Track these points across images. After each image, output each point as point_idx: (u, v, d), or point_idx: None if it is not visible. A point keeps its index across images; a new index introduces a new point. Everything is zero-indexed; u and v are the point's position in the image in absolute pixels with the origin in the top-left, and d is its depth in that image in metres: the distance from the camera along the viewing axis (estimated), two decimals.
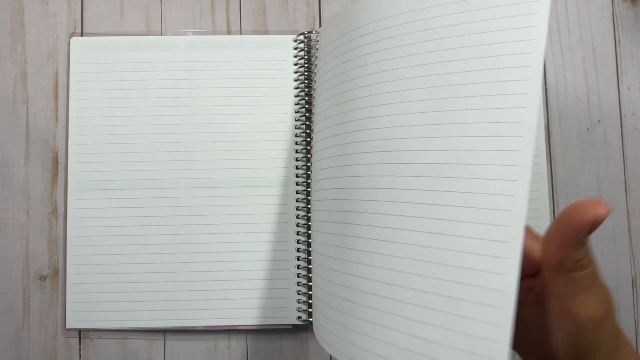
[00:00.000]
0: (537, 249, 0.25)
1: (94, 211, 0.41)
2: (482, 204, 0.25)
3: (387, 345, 0.26)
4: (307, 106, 0.41)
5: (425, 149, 0.28)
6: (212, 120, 0.42)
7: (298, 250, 0.40)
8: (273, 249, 0.41)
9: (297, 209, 0.41)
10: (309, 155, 0.41)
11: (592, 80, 0.44)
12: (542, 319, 0.25)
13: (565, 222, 0.23)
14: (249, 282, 0.40)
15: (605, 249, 0.42)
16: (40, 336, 0.40)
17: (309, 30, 0.43)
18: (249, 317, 0.40)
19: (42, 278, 0.41)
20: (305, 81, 0.41)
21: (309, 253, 0.39)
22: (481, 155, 0.25)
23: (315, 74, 0.39)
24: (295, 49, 0.42)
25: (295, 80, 0.42)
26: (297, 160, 0.41)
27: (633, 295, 0.42)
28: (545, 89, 0.43)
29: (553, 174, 0.43)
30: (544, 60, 0.43)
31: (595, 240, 0.42)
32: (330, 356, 0.41)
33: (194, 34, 0.43)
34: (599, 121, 0.43)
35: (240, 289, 0.40)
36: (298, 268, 0.40)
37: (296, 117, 0.42)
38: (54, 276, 0.41)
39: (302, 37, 0.42)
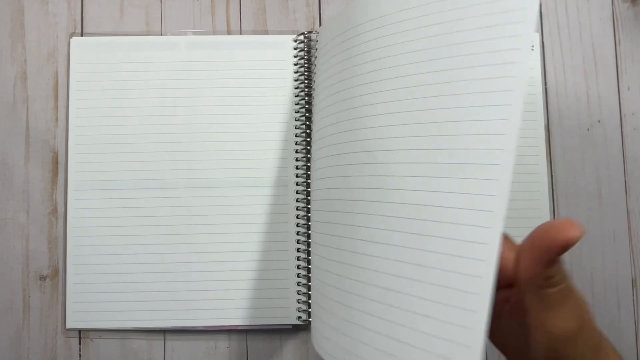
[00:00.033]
0: (512, 260, 0.24)
1: (94, 211, 0.41)
2: (462, 204, 0.24)
3: (369, 347, 0.26)
4: (307, 106, 0.41)
5: (408, 149, 0.28)
6: (212, 120, 0.42)
7: (298, 250, 0.40)
8: (273, 249, 0.41)
9: (297, 209, 0.41)
10: (309, 155, 0.41)
11: (592, 80, 0.44)
12: (519, 329, 0.25)
13: (538, 240, 0.23)
14: (249, 282, 0.40)
15: (605, 249, 0.42)
16: (40, 336, 0.40)
17: (309, 30, 0.43)
18: (249, 317, 0.40)
19: (42, 278, 0.41)
20: (305, 81, 0.41)
21: (308, 253, 0.39)
22: (461, 155, 0.25)
23: (315, 73, 0.39)
24: (295, 49, 0.42)
25: (296, 80, 0.42)
26: (297, 160, 0.41)
27: (633, 295, 0.42)
28: (545, 89, 0.43)
29: (553, 174, 0.43)
30: (544, 61, 0.43)
31: (595, 240, 0.42)
32: None
33: (194, 34, 0.43)
34: (599, 121, 0.43)
35: (240, 289, 0.40)
36: (298, 268, 0.40)
37: (296, 117, 0.42)
38: (54, 276, 0.41)
39: (302, 37, 0.42)
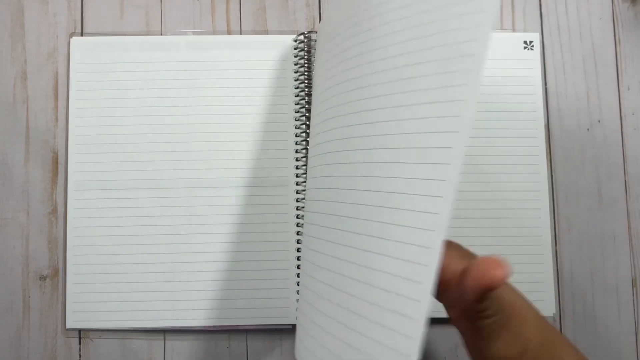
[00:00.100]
0: (454, 272, 0.24)
1: (94, 211, 0.41)
2: (408, 206, 0.23)
3: (324, 349, 0.26)
4: (307, 106, 0.41)
5: (370, 148, 0.27)
6: (211, 120, 0.42)
7: (298, 250, 0.40)
8: (273, 249, 0.41)
9: (297, 209, 0.41)
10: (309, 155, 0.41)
11: (592, 80, 0.44)
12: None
13: (467, 278, 0.23)
14: (249, 282, 0.40)
15: (605, 249, 0.42)
16: (40, 336, 0.40)
17: (309, 30, 0.43)
18: (249, 317, 0.40)
19: (42, 278, 0.41)
20: (305, 81, 0.41)
21: None
22: (412, 154, 0.24)
23: (313, 73, 0.39)
24: (296, 49, 0.42)
25: (296, 80, 0.42)
26: (297, 160, 0.41)
27: (633, 295, 0.42)
28: (545, 89, 0.43)
29: (553, 174, 0.43)
30: (544, 61, 0.43)
31: (595, 240, 0.42)
32: None
33: (194, 34, 0.43)
34: (599, 121, 0.43)
35: (240, 289, 0.40)
36: (298, 268, 0.40)
37: (296, 117, 0.42)
38: (54, 276, 0.41)
39: (302, 37, 0.42)
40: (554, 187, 0.43)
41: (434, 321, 0.23)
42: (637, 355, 0.41)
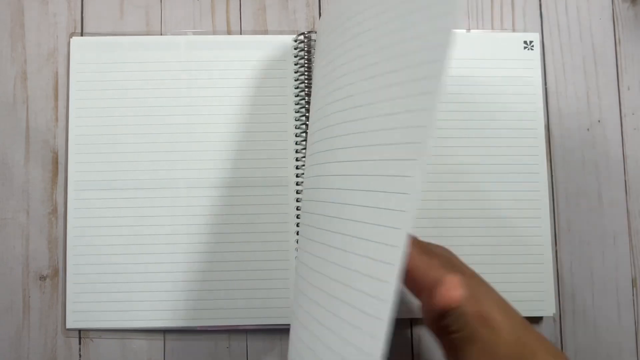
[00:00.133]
0: (420, 267, 0.25)
1: (94, 211, 0.41)
2: (376, 204, 0.23)
3: (309, 350, 0.27)
4: (307, 106, 0.41)
5: (346, 147, 0.27)
6: (212, 120, 0.42)
7: (298, 250, 0.40)
8: (273, 249, 0.41)
9: (297, 209, 0.41)
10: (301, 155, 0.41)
11: (592, 80, 0.44)
12: None
13: (427, 297, 0.24)
14: (249, 282, 0.40)
15: (605, 249, 0.42)
16: (40, 336, 0.40)
17: (309, 30, 0.43)
18: (249, 317, 0.40)
19: (42, 278, 0.41)
20: (306, 81, 0.41)
21: None
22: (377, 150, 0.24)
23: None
24: (296, 49, 0.42)
25: (296, 80, 0.42)
26: (297, 160, 0.41)
27: (633, 295, 0.42)
28: (545, 89, 0.43)
29: (553, 174, 0.43)
30: (544, 61, 0.44)
31: (595, 240, 0.42)
32: None
33: (194, 34, 0.43)
34: (599, 121, 0.43)
35: (240, 289, 0.40)
36: None
37: (296, 117, 0.42)
38: (54, 276, 0.41)
39: (302, 37, 0.42)
40: (554, 187, 0.43)
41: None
42: (637, 355, 0.41)
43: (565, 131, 0.43)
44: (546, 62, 0.44)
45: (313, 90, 0.36)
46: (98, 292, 0.40)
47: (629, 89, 0.44)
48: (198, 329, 0.40)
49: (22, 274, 0.41)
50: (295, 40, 0.42)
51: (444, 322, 0.24)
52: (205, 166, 0.41)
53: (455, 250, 0.40)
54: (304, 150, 0.41)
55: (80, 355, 0.40)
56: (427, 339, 0.41)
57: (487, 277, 0.40)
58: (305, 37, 0.42)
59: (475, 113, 0.42)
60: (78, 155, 0.41)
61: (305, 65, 0.42)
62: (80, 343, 0.40)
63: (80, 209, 0.41)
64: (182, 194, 0.41)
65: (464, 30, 0.44)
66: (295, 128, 0.42)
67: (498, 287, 0.40)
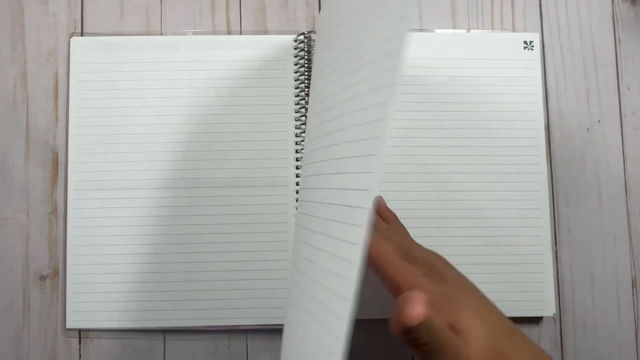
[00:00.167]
0: (382, 252, 0.27)
1: (94, 211, 0.41)
2: (342, 184, 0.24)
3: (292, 348, 0.27)
4: (306, 106, 0.41)
5: (315, 148, 0.29)
6: (212, 120, 0.42)
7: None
8: (273, 249, 0.41)
9: (297, 209, 0.41)
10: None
11: (592, 80, 0.44)
12: None
13: (393, 312, 0.24)
14: (249, 282, 0.40)
15: (605, 249, 0.42)
16: (40, 336, 0.40)
17: (309, 30, 0.43)
18: (249, 317, 0.40)
19: (42, 278, 0.41)
20: (305, 81, 0.41)
21: None
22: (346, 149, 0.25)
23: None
24: (296, 49, 0.42)
25: (296, 80, 0.42)
26: (297, 160, 0.41)
27: (633, 295, 0.42)
28: (545, 89, 0.43)
29: (553, 174, 0.43)
30: (544, 61, 0.44)
31: (595, 240, 0.42)
32: None
33: (194, 34, 0.43)
34: (599, 121, 0.43)
35: (240, 288, 0.40)
36: None
37: (296, 117, 0.42)
38: (54, 276, 0.41)
39: (302, 37, 0.42)
40: (554, 187, 0.43)
41: None
42: (637, 355, 0.41)
43: (565, 131, 0.43)
44: (546, 62, 0.44)
45: (311, 91, 0.36)
46: (98, 292, 0.40)
47: (629, 89, 0.44)
48: (198, 329, 0.40)
49: (22, 274, 0.41)
50: (295, 40, 0.42)
51: (412, 335, 0.24)
52: (205, 166, 0.41)
53: (455, 251, 0.41)
54: (303, 150, 0.41)
55: (80, 355, 0.40)
56: None
57: (487, 278, 0.40)
58: (305, 37, 0.42)
59: (475, 113, 0.42)
60: (78, 155, 0.41)
61: (305, 65, 0.42)
62: (80, 343, 0.40)
63: (80, 209, 0.41)
64: (182, 194, 0.41)
65: (464, 30, 0.44)
66: (295, 128, 0.42)
67: (498, 288, 0.40)
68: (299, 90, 0.42)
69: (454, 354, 0.24)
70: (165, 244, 0.40)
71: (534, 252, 0.41)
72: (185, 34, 0.43)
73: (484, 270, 0.41)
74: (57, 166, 0.42)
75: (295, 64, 0.42)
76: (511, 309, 0.40)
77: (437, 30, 0.44)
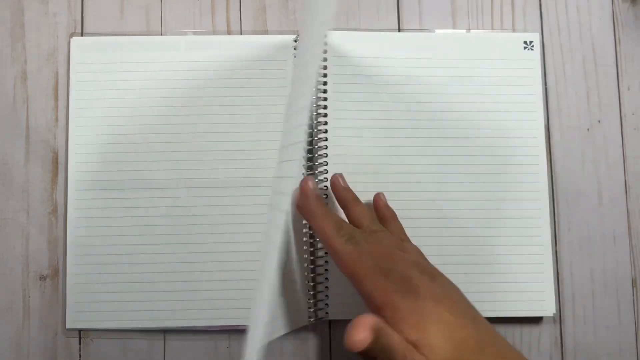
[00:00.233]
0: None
1: (94, 211, 0.41)
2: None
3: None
4: None
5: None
6: (212, 120, 0.42)
7: None
8: None
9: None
10: (309, 155, 0.41)
11: (592, 80, 0.44)
12: None
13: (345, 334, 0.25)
14: (249, 282, 0.40)
15: (605, 249, 0.42)
16: (40, 336, 0.40)
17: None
18: (249, 317, 0.40)
19: (42, 278, 0.41)
20: None
21: (310, 253, 0.39)
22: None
23: None
24: (296, 49, 0.42)
25: None
26: None
27: (633, 295, 0.42)
28: (546, 89, 0.43)
29: (553, 174, 0.43)
30: (544, 61, 0.44)
31: (595, 240, 0.42)
32: (330, 356, 0.41)
33: (194, 34, 0.43)
34: (599, 121, 0.43)
35: (240, 289, 0.40)
36: None
37: None
38: (54, 276, 0.41)
39: None
40: (554, 187, 0.43)
41: None
42: (637, 355, 0.41)
43: (565, 131, 0.43)
44: (546, 62, 0.44)
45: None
46: (98, 292, 0.40)
47: (629, 89, 0.44)
48: (198, 329, 0.40)
49: (22, 274, 0.41)
50: (295, 40, 0.42)
51: (367, 355, 0.24)
52: (205, 166, 0.41)
53: (455, 251, 0.41)
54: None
55: (80, 356, 0.40)
56: None
57: (486, 278, 0.40)
58: None
59: (475, 113, 0.42)
60: (78, 155, 0.41)
61: None
62: (80, 343, 0.40)
63: (80, 209, 0.41)
64: (182, 194, 0.41)
65: (464, 30, 0.44)
66: None
67: (498, 287, 0.40)
68: None
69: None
70: (165, 244, 0.40)
71: (534, 252, 0.41)
72: (185, 34, 0.43)
73: (483, 270, 0.41)
74: (57, 166, 0.42)
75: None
76: (511, 309, 0.40)
77: (437, 30, 0.44)
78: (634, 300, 0.42)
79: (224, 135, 0.42)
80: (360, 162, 0.41)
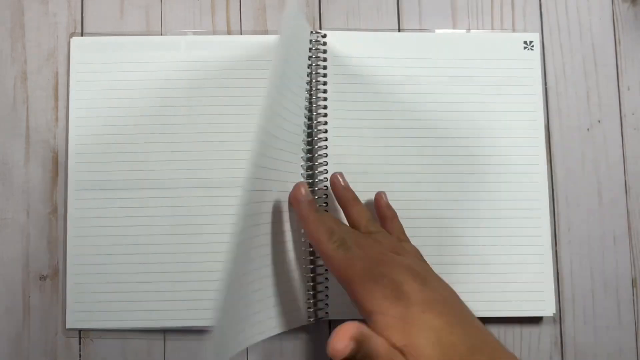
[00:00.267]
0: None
1: (94, 211, 0.41)
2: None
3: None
4: (307, 106, 0.41)
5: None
6: (212, 120, 0.42)
7: None
8: None
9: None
10: (309, 155, 0.41)
11: (592, 80, 0.44)
12: None
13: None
14: None
15: (605, 249, 0.42)
16: (40, 336, 0.40)
17: (309, 30, 0.43)
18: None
19: (42, 278, 0.41)
20: None
21: (310, 253, 0.39)
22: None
23: None
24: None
25: None
26: None
27: (633, 295, 0.42)
28: (546, 89, 0.43)
29: (553, 174, 0.43)
30: (544, 61, 0.43)
31: (595, 240, 0.42)
32: None
33: (194, 34, 0.43)
34: (599, 121, 0.43)
35: None
36: None
37: None
38: (54, 276, 0.41)
39: None
40: (554, 187, 0.43)
41: None
42: (637, 355, 0.41)
43: (565, 131, 0.43)
44: (546, 62, 0.44)
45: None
46: (98, 292, 0.40)
47: (629, 89, 0.44)
48: (198, 329, 0.40)
49: (22, 274, 0.41)
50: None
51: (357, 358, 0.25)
52: (205, 166, 0.41)
53: (455, 251, 0.41)
54: (304, 150, 0.41)
55: (80, 356, 0.40)
56: None
57: (486, 278, 0.40)
58: None
59: (475, 113, 0.42)
60: (78, 155, 0.41)
61: None
62: (80, 343, 0.40)
63: (80, 209, 0.41)
64: (182, 194, 0.41)
65: (464, 30, 0.44)
66: None
67: (498, 288, 0.40)
68: None
69: None
70: (165, 244, 0.40)
71: (534, 252, 0.41)
72: (185, 34, 0.43)
73: (483, 270, 0.41)
74: (57, 166, 0.42)
75: None
76: (511, 309, 0.40)
77: (437, 30, 0.44)
78: (634, 300, 0.42)
79: (223, 135, 0.42)
80: (360, 162, 0.41)
